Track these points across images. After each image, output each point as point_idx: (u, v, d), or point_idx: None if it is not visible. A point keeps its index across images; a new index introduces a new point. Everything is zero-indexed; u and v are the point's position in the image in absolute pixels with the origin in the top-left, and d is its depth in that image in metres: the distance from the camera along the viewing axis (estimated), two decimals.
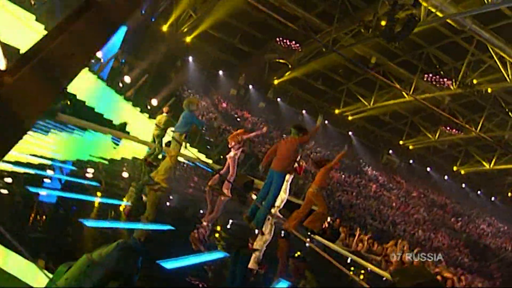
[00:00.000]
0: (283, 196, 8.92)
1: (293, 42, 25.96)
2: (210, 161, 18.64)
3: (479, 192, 35.83)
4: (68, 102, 11.89)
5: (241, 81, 29.74)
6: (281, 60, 28.86)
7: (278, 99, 30.16)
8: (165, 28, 26.57)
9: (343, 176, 27.23)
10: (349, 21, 24.51)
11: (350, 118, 31.44)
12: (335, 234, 12.00)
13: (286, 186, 8.80)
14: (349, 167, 28.71)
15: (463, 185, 35.79)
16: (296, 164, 8.71)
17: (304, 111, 30.64)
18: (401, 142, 33.16)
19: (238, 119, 26.96)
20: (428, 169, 35.12)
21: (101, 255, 2.00)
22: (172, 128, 8.57)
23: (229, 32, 27.57)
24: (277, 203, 8.76)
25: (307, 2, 24.88)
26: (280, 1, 24.88)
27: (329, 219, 12.84)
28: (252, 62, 28.88)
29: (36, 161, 5.82)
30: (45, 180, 5.45)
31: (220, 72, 28.94)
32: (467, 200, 34.22)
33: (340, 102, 31.22)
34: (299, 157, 8.56)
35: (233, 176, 9.68)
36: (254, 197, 8.80)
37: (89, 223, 4.02)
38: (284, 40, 25.44)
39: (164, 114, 10.32)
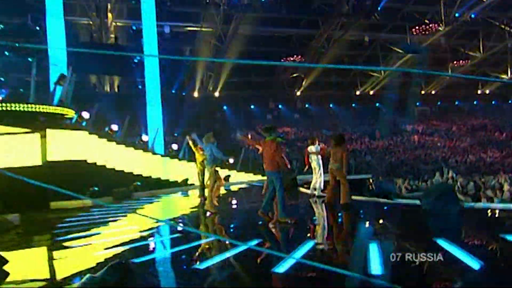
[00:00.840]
0: (320, 179, 9.25)
1: (296, 56, 30.02)
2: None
3: (510, 101, 37.12)
4: (138, 183, 14.24)
5: (271, 105, 33.89)
6: (294, 75, 32.89)
7: (307, 105, 33.94)
8: (196, 94, 31.43)
9: (386, 142, 30.09)
10: (331, 18, 28.21)
11: (371, 92, 34.51)
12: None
13: (319, 169, 9.13)
14: (389, 132, 31.53)
15: (493, 102, 37.23)
16: (322, 146, 9.39)
17: (331, 105, 34.24)
18: (422, 92, 35.60)
19: (282, 134, 30.86)
20: (456, 102, 36.73)
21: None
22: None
23: (245, 72, 31.92)
24: (317, 185, 9.24)
25: (291, 21, 28.94)
26: (270, 31, 29.17)
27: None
28: (272, 87, 32.98)
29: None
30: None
31: (252, 106, 33.32)
32: (503, 112, 35.54)
33: (357, 84, 34.52)
34: (317, 141, 9.32)
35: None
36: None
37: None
38: (288, 59, 29.49)
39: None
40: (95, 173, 12.72)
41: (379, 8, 27.29)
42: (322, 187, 9.24)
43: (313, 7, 28.32)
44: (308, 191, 9.82)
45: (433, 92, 36.02)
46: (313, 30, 29.21)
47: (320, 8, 28.49)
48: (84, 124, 12.74)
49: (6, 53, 22.78)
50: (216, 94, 31.91)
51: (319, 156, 9.03)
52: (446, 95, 36.35)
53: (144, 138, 16.51)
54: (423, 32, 29.00)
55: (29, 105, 10.82)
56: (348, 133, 31.07)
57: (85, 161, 12.56)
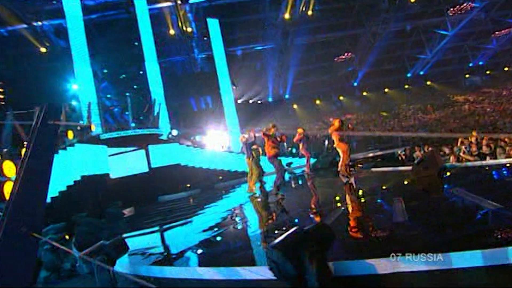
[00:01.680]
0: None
1: (347, 54, 34.16)
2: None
3: None
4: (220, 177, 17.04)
5: (334, 98, 38.15)
6: (350, 69, 36.72)
7: (364, 93, 37.60)
8: (270, 99, 37.04)
9: (438, 115, 32.67)
10: (371, 16, 31.77)
11: (421, 73, 37.01)
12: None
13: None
14: (441, 105, 33.99)
15: None
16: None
17: (385, 89, 37.53)
18: (470, 64, 37.11)
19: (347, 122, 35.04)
20: (506, 68, 36.91)
21: None
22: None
23: (307, 74, 36.58)
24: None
25: (338, 25, 32.97)
26: (322, 37, 33.56)
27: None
28: (333, 82, 37.18)
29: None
30: None
31: (317, 101, 37.96)
32: None
33: (407, 67, 37.27)
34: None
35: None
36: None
37: None
38: (340, 57, 33.81)
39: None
40: (186, 173, 15.86)
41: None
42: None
43: (354, 10, 32.23)
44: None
45: (480, 63, 37.20)
46: (359, 29, 33.03)
47: (362, 10, 32.28)
48: (173, 137, 17.06)
49: (127, 93, 30.57)
50: (286, 96, 37.13)
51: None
52: (494, 63, 36.83)
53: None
54: (460, 12, 31.25)
55: (136, 130, 15.57)
56: (403, 111, 34.39)
57: (179, 164, 15.99)
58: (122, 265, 4.22)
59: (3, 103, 21.02)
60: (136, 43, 23.56)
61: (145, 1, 24.09)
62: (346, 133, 9.28)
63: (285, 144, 9.22)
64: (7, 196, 4.16)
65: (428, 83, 36.47)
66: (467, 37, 33.98)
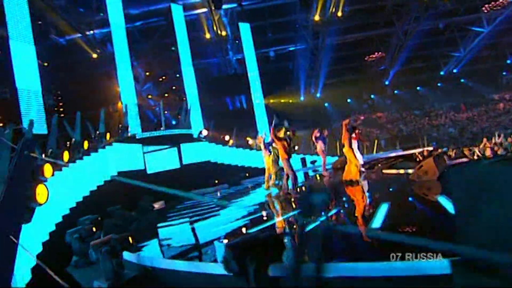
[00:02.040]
0: (360, 161, 11.10)
1: (378, 53, 34.05)
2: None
3: None
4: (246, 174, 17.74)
5: (365, 96, 38.17)
6: (381, 68, 36.50)
7: (396, 92, 37.25)
8: (302, 98, 37.67)
9: (471, 113, 31.92)
10: (401, 15, 31.46)
11: (455, 71, 36.05)
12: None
13: (358, 154, 10.95)
14: (475, 103, 33.09)
15: None
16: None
17: (418, 88, 36.97)
18: (508, 61, 35.55)
19: (376, 120, 35.08)
20: None
21: None
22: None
23: (339, 73, 36.75)
24: (360, 162, 10.93)
25: (369, 25, 32.85)
26: (353, 37, 33.60)
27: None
28: (365, 81, 37.14)
29: None
30: None
31: (349, 100, 38.09)
32: None
33: (440, 65, 36.41)
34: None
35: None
36: None
37: None
38: (371, 56, 33.79)
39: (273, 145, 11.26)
40: (215, 169, 16.85)
41: None
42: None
43: (385, 10, 32.01)
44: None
45: None
46: (389, 28, 32.80)
47: (393, 9, 32.00)
48: (203, 137, 17.91)
49: (166, 94, 32.30)
50: (318, 95, 37.58)
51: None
52: None
53: (250, 141, 22.77)
54: (495, 8, 30.26)
55: (170, 130, 16.70)
56: (434, 110, 33.87)
57: (209, 161, 17.07)
58: (130, 255, 5.22)
59: (61, 109, 23.14)
60: (173, 48, 25.11)
61: (182, 8, 25.60)
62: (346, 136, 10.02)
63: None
64: (38, 198, 5.23)
65: (462, 81, 35.53)
66: (504, 33, 32.73)
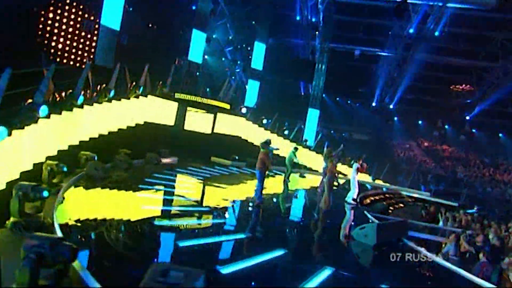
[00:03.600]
0: (355, 191, 10.90)
1: (465, 85, 30.48)
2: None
3: None
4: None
5: (439, 124, 34.88)
6: (468, 101, 32.77)
7: (473, 130, 33.37)
8: (374, 103, 35.58)
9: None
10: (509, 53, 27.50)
11: None
12: None
13: (356, 183, 10.88)
14: None
15: None
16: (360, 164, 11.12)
17: (501, 134, 32.62)
18: None
19: (437, 152, 32.11)
20: None
21: None
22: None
23: (420, 91, 33.92)
24: (354, 196, 10.89)
25: (465, 52, 29.26)
26: (445, 60, 30.30)
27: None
28: (444, 108, 33.81)
29: None
30: None
31: (420, 121, 35.16)
32: None
33: None
34: (361, 160, 11.35)
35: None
36: None
37: None
38: (457, 87, 30.36)
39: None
40: (243, 146, 16.86)
41: None
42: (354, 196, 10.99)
43: (493, 42, 28.17)
44: None
45: None
46: (490, 63, 29.01)
47: (502, 44, 28.04)
48: (244, 113, 18.20)
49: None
50: (391, 106, 35.21)
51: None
52: None
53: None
54: None
55: (209, 100, 16.92)
56: (507, 164, 29.92)
57: (240, 137, 17.26)
58: None
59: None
60: (254, 22, 24.96)
61: None
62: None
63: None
64: None
65: None
66: None
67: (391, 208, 12.33)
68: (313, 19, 29.86)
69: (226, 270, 4.52)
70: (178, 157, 13.80)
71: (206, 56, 27.07)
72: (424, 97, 33.47)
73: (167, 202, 8.56)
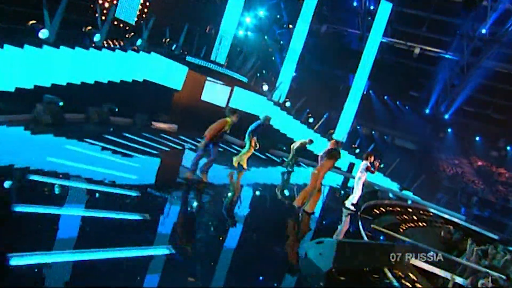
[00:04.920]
0: (358, 193, 8.62)
1: None
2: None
3: None
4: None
5: (500, 143, 29.82)
6: None
7: None
8: (427, 110, 31.29)
9: None
10: None
11: None
12: None
13: (360, 185, 8.59)
14: None
15: None
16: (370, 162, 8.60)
17: None
18: None
19: (492, 174, 27.38)
20: None
21: None
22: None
23: (483, 104, 29.20)
24: (354, 200, 8.61)
25: None
26: None
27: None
28: (509, 128, 28.82)
29: None
30: None
31: (477, 138, 30.34)
32: None
33: None
34: (373, 157, 8.70)
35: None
36: None
37: None
38: None
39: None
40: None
41: None
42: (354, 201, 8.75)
43: None
44: None
45: None
46: None
47: None
48: (263, 91, 16.33)
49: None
50: (446, 116, 30.77)
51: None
52: None
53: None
54: None
55: (224, 69, 15.40)
56: None
57: (253, 114, 14.94)
58: None
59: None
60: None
61: None
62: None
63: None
64: None
65: None
66: None
67: (404, 225, 9.43)
68: (371, 7, 26.49)
69: None
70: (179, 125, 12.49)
71: (248, 32, 25.07)
72: (487, 111, 28.80)
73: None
